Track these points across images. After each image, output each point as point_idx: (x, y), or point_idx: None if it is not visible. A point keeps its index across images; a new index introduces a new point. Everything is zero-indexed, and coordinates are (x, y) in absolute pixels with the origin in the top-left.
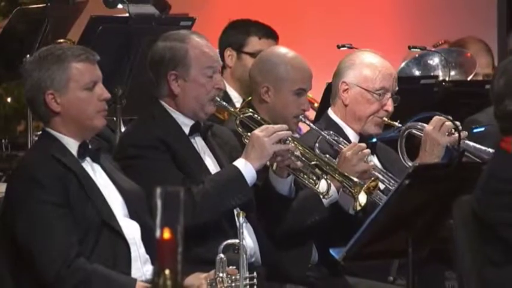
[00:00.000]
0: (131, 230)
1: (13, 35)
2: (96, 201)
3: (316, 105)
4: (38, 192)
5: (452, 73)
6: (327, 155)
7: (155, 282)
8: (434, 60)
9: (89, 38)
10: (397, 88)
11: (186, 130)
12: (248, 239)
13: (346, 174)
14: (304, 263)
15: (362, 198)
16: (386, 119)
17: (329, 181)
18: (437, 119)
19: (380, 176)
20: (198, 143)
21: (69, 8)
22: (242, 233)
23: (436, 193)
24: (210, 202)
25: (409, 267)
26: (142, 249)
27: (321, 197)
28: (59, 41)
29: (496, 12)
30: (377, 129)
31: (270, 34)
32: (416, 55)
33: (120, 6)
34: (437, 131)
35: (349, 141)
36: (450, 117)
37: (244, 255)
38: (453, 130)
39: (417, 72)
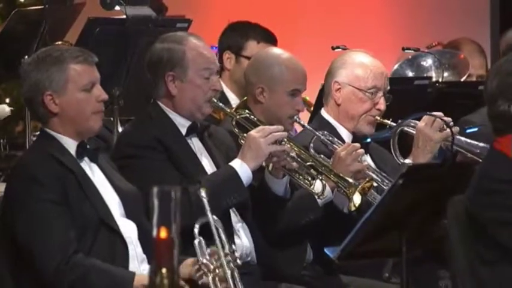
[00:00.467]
0: (128, 229)
1: (11, 36)
2: (94, 200)
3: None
4: (37, 191)
5: (446, 74)
6: (322, 155)
7: (152, 281)
8: (428, 62)
9: (86, 39)
10: (388, 87)
11: (183, 131)
12: (244, 239)
13: (341, 175)
14: (299, 262)
15: (357, 198)
16: (379, 118)
17: (324, 181)
18: (428, 116)
19: (374, 176)
20: (195, 143)
21: (66, 9)
22: (208, 210)
23: (430, 193)
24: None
25: (403, 266)
26: (139, 249)
27: (316, 197)
28: (57, 43)
29: (488, 13)
30: (370, 128)
31: (268, 38)
32: (410, 56)
33: (117, 8)
34: (429, 127)
35: (343, 141)
36: (441, 114)
37: (217, 231)
38: (444, 126)
39: (410, 74)
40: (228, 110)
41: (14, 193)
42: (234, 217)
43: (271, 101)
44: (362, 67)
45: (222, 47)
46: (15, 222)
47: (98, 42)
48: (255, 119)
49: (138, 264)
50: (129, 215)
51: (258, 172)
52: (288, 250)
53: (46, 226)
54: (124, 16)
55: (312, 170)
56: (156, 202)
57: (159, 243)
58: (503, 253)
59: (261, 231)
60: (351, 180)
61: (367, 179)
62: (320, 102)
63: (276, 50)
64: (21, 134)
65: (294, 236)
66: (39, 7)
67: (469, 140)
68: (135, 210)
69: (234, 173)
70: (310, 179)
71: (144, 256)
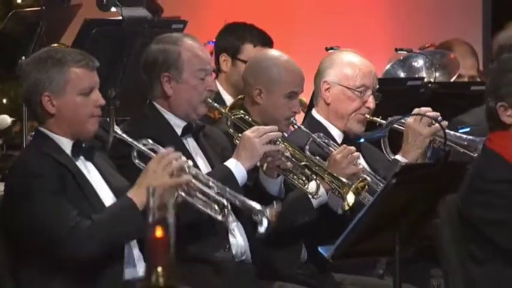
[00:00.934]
0: None
1: (9, 37)
2: (91, 199)
3: None
4: (37, 184)
5: (437, 74)
6: (317, 157)
7: (148, 279)
8: (419, 62)
9: (83, 40)
10: (377, 86)
11: (179, 131)
12: (239, 238)
13: (335, 174)
14: (293, 262)
15: (350, 198)
16: (369, 116)
17: (318, 181)
18: (417, 111)
19: (368, 179)
20: (190, 143)
21: (63, 11)
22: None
23: (423, 192)
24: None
25: (396, 264)
26: (136, 246)
27: (310, 197)
28: (53, 45)
29: (481, 15)
30: (360, 127)
31: (265, 41)
32: (401, 57)
33: (113, 9)
34: (418, 123)
35: (335, 141)
36: (429, 109)
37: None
38: (433, 121)
39: (402, 74)
40: (223, 110)
41: (14, 190)
42: (229, 216)
43: (269, 103)
44: (350, 66)
45: (219, 49)
46: (17, 217)
47: (94, 43)
48: (250, 119)
49: (135, 262)
50: None
51: (253, 172)
52: (283, 250)
53: (50, 208)
54: (120, 17)
55: (306, 170)
56: (151, 201)
57: (154, 242)
58: (494, 252)
59: (255, 231)
60: (344, 180)
61: (361, 179)
62: (313, 103)
63: (274, 52)
64: (18, 134)
65: (288, 237)
66: (36, 8)
67: (457, 134)
68: None
69: (229, 173)
70: (304, 178)
71: (140, 254)
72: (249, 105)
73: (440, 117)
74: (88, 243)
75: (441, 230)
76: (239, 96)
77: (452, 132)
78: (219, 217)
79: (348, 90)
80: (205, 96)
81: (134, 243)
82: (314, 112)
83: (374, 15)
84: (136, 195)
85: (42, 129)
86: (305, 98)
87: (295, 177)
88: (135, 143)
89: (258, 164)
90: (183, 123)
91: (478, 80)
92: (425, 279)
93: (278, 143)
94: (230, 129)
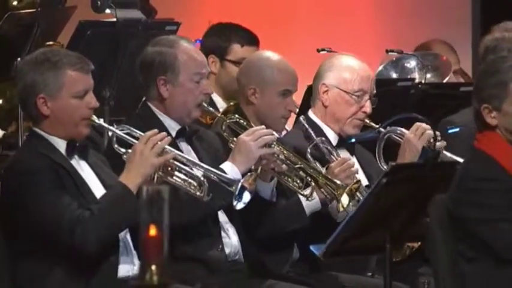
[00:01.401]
0: None
1: (5, 38)
2: (87, 196)
3: None
4: (35, 180)
5: (428, 76)
6: (317, 162)
7: (142, 277)
8: (411, 63)
9: (78, 41)
10: (375, 91)
11: (173, 133)
12: (233, 238)
13: (329, 177)
14: (284, 261)
15: (345, 199)
16: (368, 121)
17: (313, 183)
18: (417, 126)
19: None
20: (183, 146)
21: (58, 12)
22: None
23: (413, 192)
24: (197, 204)
25: (387, 262)
26: (130, 244)
27: (305, 199)
28: (48, 43)
29: (470, 16)
30: (355, 131)
31: (251, 41)
32: (394, 58)
33: (107, 11)
34: (418, 139)
35: (329, 141)
36: (428, 127)
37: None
38: (432, 140)
39: (395, 75)
40: (218, 114)
41: (13, 189)
42: (223, 217)
43: (263, 102)
44: (349, 70)
45: (206, 50)
46: (17, 214)
47: (88, 44)
48: (245, 123)
49: (129, 259)
50: None
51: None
52: (274, 251)
53: (52, 202)
54: (114, 19)
55: (301, 172)
56: (144, 200)
57: (148, 241)
58: (484, 250)
59: (247, 233)
60: (338, 182)
61: (355, 181)
62: (305, 104)
63: (267, 53)
64: (14, 134)
65: (280, 241)
66: (32, 10)
67: (454, 157)
68: None
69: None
70: (299, 181)
71: (135, 252)
72: (244, 105)
73: (439, 137)
74: (93, 233)
75: (431, 228)
76: (231, 103)
77: (449, 154)
78: (198, 193)
79: (346, 94)
80: (200, 100)
81: (128, 239)
82: (310, 113)
83: (365, 17)
84: (128, 179)
85: (36, 129)
86: (294, 98)
87: (289, 179)
88: (111, 128)
89: (253, 167)
90: (177, 126)
91: (462, 76)
92: (415, 278)
93: (273, 146)
94: (224, 133)
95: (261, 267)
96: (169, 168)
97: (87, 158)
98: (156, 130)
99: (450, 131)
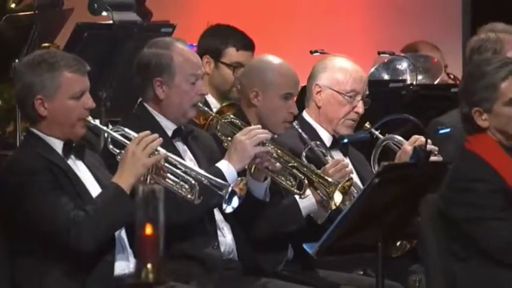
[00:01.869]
0: None
1: (2, 40)
2: (83, 196)
3: None
4: (33, 179)
5: (420, 77)
6: (312, 165)
7: (138, 275)
8: (403, 65)
9: (75, 43)
10: (367, 92)
11: (169, 133)
12: (228, 236)
13: (322, 175)
14: (278, 260)
15: (337, 197)
16: (368, 126)
17: (306, 181)
18: (415, 139)
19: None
20: (180, 146)
21: (56, 15)
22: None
23: (404, 191)
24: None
25: (379, 261)
26: (126, 243)
27: (298, 197)
28: (45, 44)
29: (460, 17)
30: (348, 131)
31: (247, 46)
32: (386, 60)
33: (104, 13)
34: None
35: (323, 142)
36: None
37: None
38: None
39: (386, 77)
40: (213, 114)
41: (10, 188)
42: (219, 216)
43: (265, 105)
44: (342, 71)
45: (201, 50)
46: (15, 212)
47: (85, 46)
48: (240, 123)
49: (125, 258)
50: None
51: (242, 174)
52: (269, 251)
53: (49, 201)
54: (111, 21)
55: (294, 171)
56: (140, 199)
57: (144, 240)
58: (475, 249)
59: (241, 231)
60: (331, 179)
61: (347, 178)
62: (299, 105)
63: (269, 56)
64: (12, 134)
65: (275, 241)
66: (30, 12)
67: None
68: None
69: (221, 174)
70: (292, 179)
71: (131, 251)
72: (245, 108)
73: (436, 151)
74: (89, 233)
75: (423, 228)
76: (224, 103)
77: None
78: (189, 196)
79: (338, 94)
80: (196, 100)
81: (124, 238)
82: (305, 114)
83: (357, 19)
84: (121, 179)
85: (33, 130)
86: None
87: (283, 178)
88: (106, 129)
89: (246, 166)
90: (173, 126)
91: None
92: (406, 276)
93: (267, 144)
94: (219, 133)
95: (255, 266)
96: (161, 171)
97: (84, 158)
98: (148, 131)
99: (440, 132)
